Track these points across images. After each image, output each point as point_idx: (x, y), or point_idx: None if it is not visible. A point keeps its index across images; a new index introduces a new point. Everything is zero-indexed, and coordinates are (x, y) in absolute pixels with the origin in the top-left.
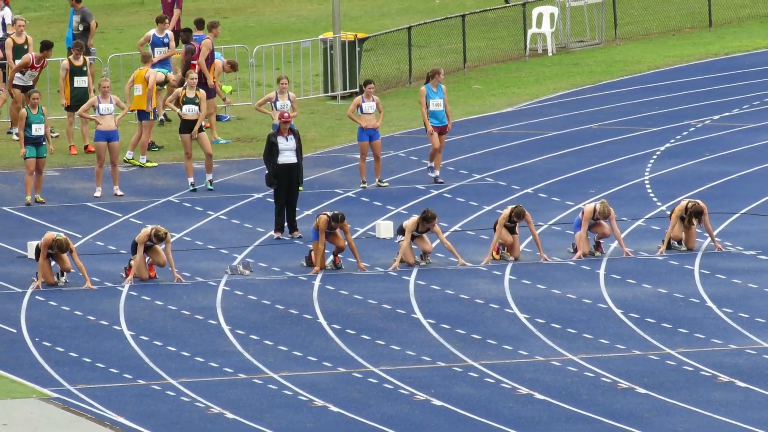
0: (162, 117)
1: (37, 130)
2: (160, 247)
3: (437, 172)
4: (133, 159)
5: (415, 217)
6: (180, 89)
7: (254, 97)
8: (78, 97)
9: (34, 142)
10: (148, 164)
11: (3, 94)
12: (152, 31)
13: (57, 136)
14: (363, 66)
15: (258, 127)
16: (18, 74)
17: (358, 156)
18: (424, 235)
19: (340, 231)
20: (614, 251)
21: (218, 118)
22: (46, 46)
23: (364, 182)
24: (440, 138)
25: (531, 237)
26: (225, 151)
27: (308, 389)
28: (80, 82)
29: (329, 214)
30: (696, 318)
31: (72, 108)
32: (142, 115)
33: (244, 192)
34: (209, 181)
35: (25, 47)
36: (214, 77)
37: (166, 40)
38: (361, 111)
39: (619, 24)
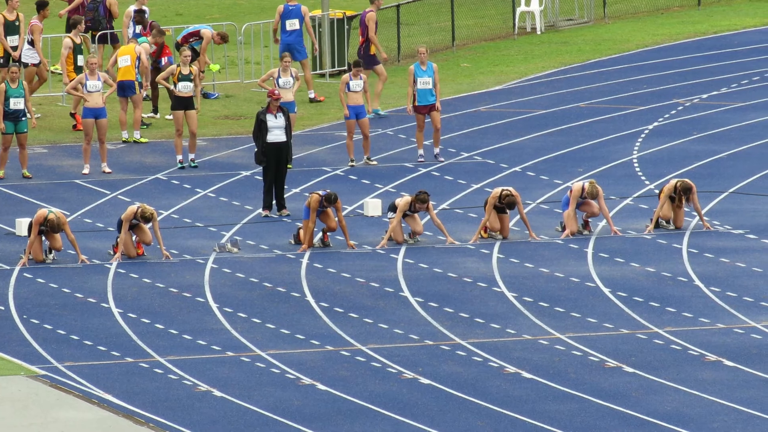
0: (146, 93)
1: (15, 104)
2: (146, 226)
3: (437, 150)
4: (140, 138)
5: (408, 197)
6: (174, 66)
7: (242, 74)
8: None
9: (13, 116)
10: (143, 140)
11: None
12: (132, 7)
13: (39, 117)
14: (351, 44)
15: (246, 104)
16: (29, 47)
17: (346, 134)
18: (416, 215)
19: (332, 210)
20: (602, 230)
21: (206, 96)
22: (42, 6)
23: (352, 160)
24: (434, 116)
25: (519, 217)
26: (213, 129)
27: (296, 367)
28: (81, 60)
29: (322, 193)
30: (684, 297)
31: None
32: (129, 90)
33: (233, 170)
34: (191, 159)
35: (17, 23)
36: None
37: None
38: (348, 89)
39: (607, 2)
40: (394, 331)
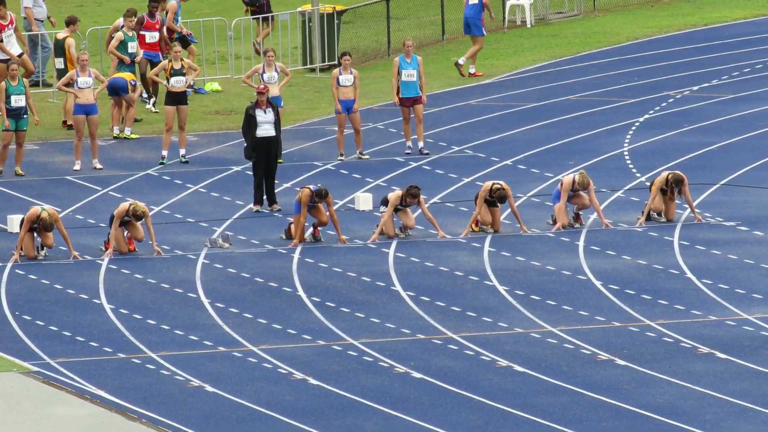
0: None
1: (17, 101)
2: (137, 222)
3: (421, 143)
4: (131, 134)
5: (399, 191)
6: (165, 62)
7: (233, 69)
8: None
9: (14, 114)
10: (133, 136)
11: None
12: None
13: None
14: (341, 38)
15: (237, 99)
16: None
17: (336, 128)
18: (407, 209)
19: (323, 205)
20: (593, 223)
21: (196, 91)
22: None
23: (341, 155)
24: (417, 109)
25: (510, 210)
26: (204, 124)
27: (288, 362)
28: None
29: (313, 188)
30: (676, 289)
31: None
32: (122, 91)
33: (223, 165)
34: (182, 155)
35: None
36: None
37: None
38: (338, 83)
39: None
40: (385, 325)
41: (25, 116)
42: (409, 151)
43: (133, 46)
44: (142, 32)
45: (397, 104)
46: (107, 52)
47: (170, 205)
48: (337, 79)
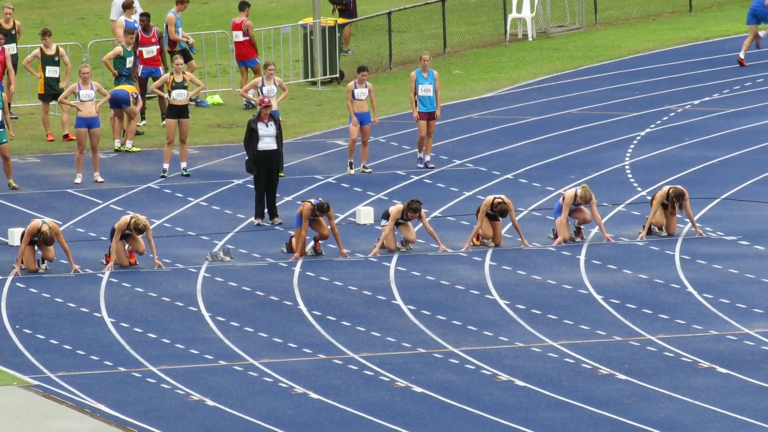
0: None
1: None
2: (139, 236)
3: (428, 157)
4: (132, 147)
5: (400, 205)
6: (167, 75)
7: (234, 83)
8: (52, 87)
9: None
10: (134, 149)
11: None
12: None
13: (16, 118)
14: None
15: (238, 113)
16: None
17: (341, 141)
18: (409, 223)
19: (324, 218)
20: (595, 237)
21: (198, 104)
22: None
23: (351, 164)
24: (429, 124)
25: (511, 224)
26: (205, 137)
27: (288, 376)
28: (50, 71)
29: (314, 202)
30: (676, 304)
31: (46, 97)
32: (124, 103)
33: (225, 178)
34: (183, 168)
35: (13, 32)
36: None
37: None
38: (353, 97)
39: (599, 9)
40: (386, 339)
41: (1, 130)
42: (421, 165)
43: (131, 61)
44: (139, 48)
45: (417, 119)
46: (102, 62)
47: (171, 219)
48: (353, 93)
